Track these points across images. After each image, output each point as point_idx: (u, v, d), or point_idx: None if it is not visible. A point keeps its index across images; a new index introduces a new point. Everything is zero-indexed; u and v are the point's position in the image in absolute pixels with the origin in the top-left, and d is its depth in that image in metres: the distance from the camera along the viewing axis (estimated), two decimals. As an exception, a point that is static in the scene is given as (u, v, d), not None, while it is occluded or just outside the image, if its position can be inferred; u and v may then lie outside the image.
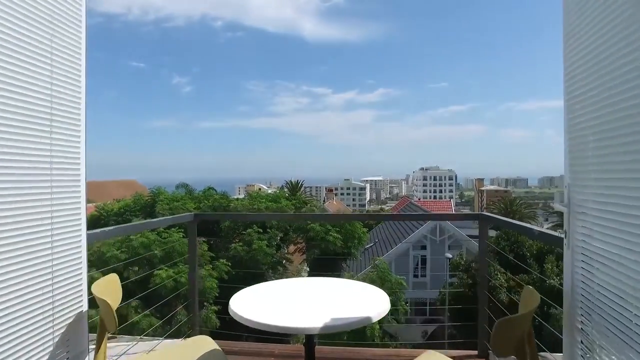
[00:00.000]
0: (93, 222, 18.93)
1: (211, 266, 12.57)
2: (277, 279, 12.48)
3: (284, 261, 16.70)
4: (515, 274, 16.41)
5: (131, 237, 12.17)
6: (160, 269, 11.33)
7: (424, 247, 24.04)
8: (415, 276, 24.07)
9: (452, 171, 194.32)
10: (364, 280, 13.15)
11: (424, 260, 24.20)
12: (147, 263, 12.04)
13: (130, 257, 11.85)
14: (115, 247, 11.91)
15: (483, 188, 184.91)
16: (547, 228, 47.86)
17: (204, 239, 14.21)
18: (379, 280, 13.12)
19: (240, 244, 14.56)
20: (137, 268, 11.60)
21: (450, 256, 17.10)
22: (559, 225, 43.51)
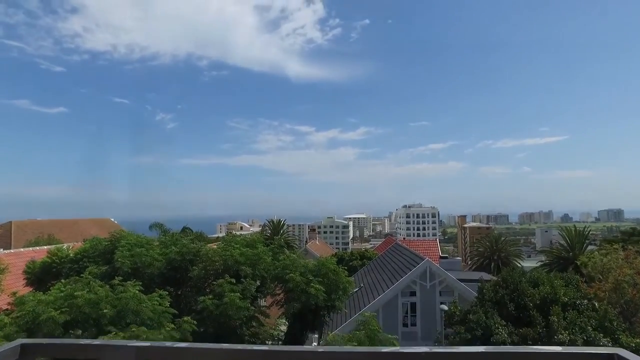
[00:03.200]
0: (45, 270, 16.82)
1: (173, 326, 10.66)
2: (250, 336, 10.49)
3: (259, 316, 14.82)
4: (518, 327, 14.90)
5: (76, 293, 10.30)
6: (109, 334, 9.42)
7: (413, 294, 22.40)
8: (405, 325, 22.28)
9: (434, 208, 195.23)
10: (349, 340, 11.42)
11: (413, 307, 22.50)
12: (94, 324, 10.10)
13: (73, 319, 9.95)
14: (54, 306, 10.00)
15: (466, 225, 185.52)
16: (537, 264, 46.31)
17: (167, 291, 12.35)
18: (367, 340, 11.42)
19: (210, 296, 12.72)
20: (80, 332, 9.67)
21: (446, 308, 15.53)
22: (546, 265, 42.47)
